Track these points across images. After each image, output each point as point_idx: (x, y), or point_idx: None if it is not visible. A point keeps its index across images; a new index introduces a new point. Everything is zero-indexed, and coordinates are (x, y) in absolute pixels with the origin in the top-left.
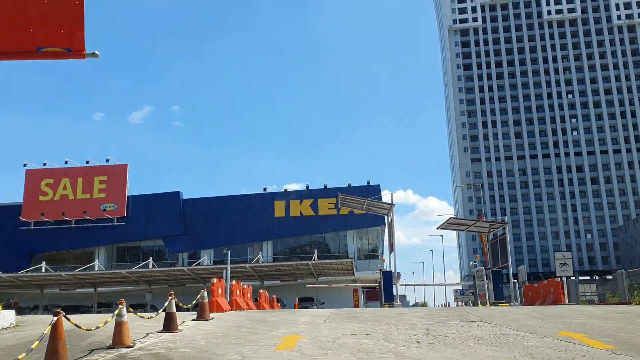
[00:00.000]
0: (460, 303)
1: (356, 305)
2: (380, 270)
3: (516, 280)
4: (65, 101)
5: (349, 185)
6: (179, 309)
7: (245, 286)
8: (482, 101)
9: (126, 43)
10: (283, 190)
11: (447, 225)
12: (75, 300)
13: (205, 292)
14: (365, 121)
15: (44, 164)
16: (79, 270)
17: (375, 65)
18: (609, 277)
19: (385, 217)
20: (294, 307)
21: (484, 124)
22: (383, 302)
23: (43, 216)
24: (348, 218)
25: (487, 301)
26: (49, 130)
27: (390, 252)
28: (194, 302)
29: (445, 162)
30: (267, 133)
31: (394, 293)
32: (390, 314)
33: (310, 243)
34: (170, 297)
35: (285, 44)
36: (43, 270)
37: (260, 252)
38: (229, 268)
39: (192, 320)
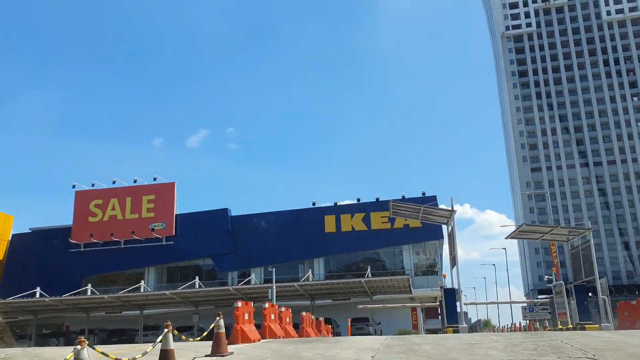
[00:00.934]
0: (534, 323)
1: (414, 326)
2: (441, 287)
3: (606, 297)
4: (124, 127)
5: (403, 197)
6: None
7: (283, 309)
8: (540, 108)
9: (180, 67)
10: (333, 205)
11: (519, 234)
12: (121, 324)
13: (222, 320)
14: (419, 134)
15: (92, 185)
16: (123, 292)
17: (427, 75)
18: None
19: (445, 226)
20: (347, 329)
21: (543, 132)
22: (446, 324)
23: (92, 237)
24: (403, 232)
25: (569, 321)
26: (109, 155)
27: (452, 267)
28: (205, 332)
29: (503, 174)
30: (319, 149)
31: (458, 311)
32: (458, 345)
33: (365, 259)
34: (166, 329)
35: (334, 59)
36: (89, 293)
37: (310, 270)
38: (274, 287)
39: (206, 356)
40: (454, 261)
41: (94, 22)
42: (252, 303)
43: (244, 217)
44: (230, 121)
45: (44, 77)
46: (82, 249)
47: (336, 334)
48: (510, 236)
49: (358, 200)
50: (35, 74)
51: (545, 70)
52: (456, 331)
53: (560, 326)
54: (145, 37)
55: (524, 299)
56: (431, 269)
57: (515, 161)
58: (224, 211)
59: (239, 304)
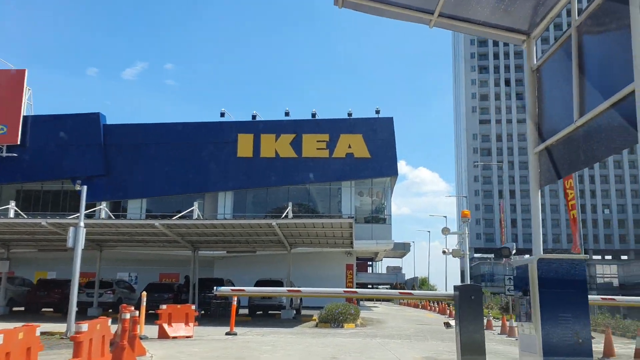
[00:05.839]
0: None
1: (349, 287)
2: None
3: None
4: (57, 53)
5: (350, 115)
6: None
7: None
8: (496, 56)
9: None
10: (251, 119)
11: None
12: None
13: None
14: (370, 67)
15: None
16: None
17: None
18: (624, 257)
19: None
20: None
21: (496, 82)
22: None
23: None
24: (345, 163)
25: None
26: (38, 80)
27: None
28: None
29: (444, 129)
30: (262, 92)
31: None
32: None
33: (291, 198)
34: None
35: (283, 4)
36: None
37: (216, 208)
38: (82, 228)
39: None
40: None
41: None
42: None
43: (123, 127)
44: (170, 57)
45: None
46: None
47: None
48: None
49: (287, 114)
50: None
51: None
52: None
53: None
54: None
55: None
56: (377, 216)
57: (463, 112)
58: (95, 117)
59: None
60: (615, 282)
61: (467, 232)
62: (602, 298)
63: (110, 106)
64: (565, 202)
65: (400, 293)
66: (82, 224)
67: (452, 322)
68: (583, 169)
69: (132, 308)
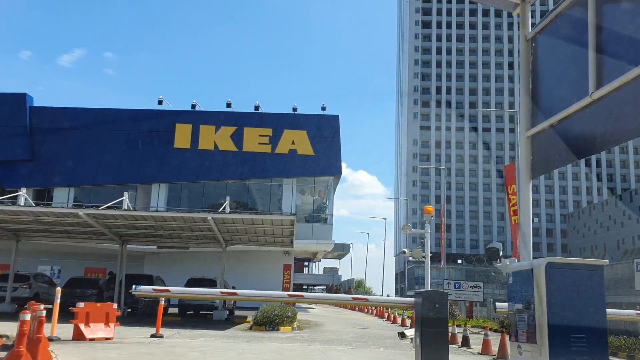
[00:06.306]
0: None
1: (286, 288)
2: None
3: None
4: None
5: (295, 111)
6: None
7: None
8: (439, 64)
9: None
10: (190, 108)
11: None
12: None
13: None
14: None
15: None
16: None
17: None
18: None
19: None
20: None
21: (438, 90)
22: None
23: None
24: (288, 160)
25: None
26: None
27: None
28: None
29: (384, 134)
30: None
31: None
32: None
33: (229, 193)
34: None
35: None
36: None
37: (147, 200)
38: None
39: None
40: None
41: None
42: None
43: (51, 110)
44: (109, 44)
45: None
46: None
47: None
48: None
49: (228, 105)
50: None
51: (449, 25)
52: None
53: None
54: None
55: (394, 259)
56: (318, 216)
57: (405, 117)
58: (21, 97)
59: None
60: None
61: (428, 231)
62: (637, 313)
63: (43, 92)
64: (508, 208)
65: (353, 299)
66: None
67: (408, 333)
68: (599, 152)
69: (41, 306)
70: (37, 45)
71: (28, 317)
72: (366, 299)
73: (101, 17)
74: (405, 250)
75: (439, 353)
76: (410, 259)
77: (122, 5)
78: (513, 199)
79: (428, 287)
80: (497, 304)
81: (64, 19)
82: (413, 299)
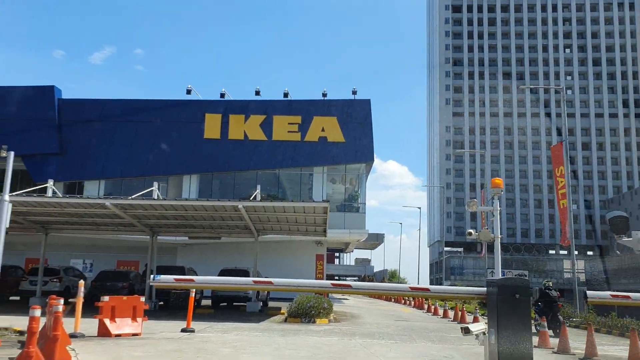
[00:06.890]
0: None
1: (319, 278)
2: None
3: None
4: (23, 33)
5: (324, 96)
6: None
7: None
8: (470, 49)
9: None
10: (220, 97)
11: None
12: None
13: None
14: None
15: None
16: None
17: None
18: (590, 253)
19: None
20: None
21: (471, 75)
22: None
23: None
24: (318, 147)
25: None
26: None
27: None
28: None
29: (416, 122)
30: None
31: None
32: None
33: (260, 183)
34: None
35: None
36: None
37: (180, 191)
38: (6, 202)
39: None
40: None
41: None
42: None
43: (80, 102)
44: (139, 41)
45: None
46: None
47: (178, 299)
48: None
49: (257, 93)
50: None
51: (480, 9)
52: None
53: None
54: None
55: (427, 250)
56: (350, 205)
57: (437, 103)
58: (49, 90)
59: None
60: (582, 277)
61: (498, 208)
62: (611, 295)
63: (76, 90)
64: (556, 191)
65: (411, 289)
66: (6, 197)
67: (473, 328)
68: None
69: (61, 301)
70: (70, 44)
71: (38, 313)
72: (428, 289)
73: (129, 13)
74: (471, 231)
75: (520, 350)
76: (470, 239)
77: (150, 1)
78: (561, 182)
79: (499, 275)
80: (587, 292)
81: (95, 18)
82: (484, 289)
